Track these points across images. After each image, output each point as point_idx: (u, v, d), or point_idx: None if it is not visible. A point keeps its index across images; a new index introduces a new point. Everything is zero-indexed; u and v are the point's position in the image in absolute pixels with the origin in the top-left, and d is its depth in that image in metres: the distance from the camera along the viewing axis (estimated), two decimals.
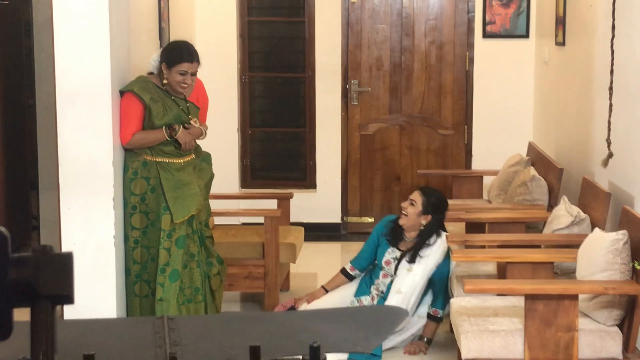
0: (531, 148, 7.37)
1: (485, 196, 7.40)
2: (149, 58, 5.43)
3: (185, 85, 5.31)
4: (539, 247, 5.22)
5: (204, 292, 5.47)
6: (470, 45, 8.34)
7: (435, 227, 5.59)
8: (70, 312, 5.09)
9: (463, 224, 6.18)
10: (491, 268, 5.45)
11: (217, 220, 6.64)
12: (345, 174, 8.50)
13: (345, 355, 5.05)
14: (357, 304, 5.60)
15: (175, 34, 6.18)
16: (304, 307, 5.78)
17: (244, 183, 8.51)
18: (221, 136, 8.03)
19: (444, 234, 5.58)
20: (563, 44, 6.99)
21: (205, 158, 5.63)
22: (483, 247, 5.41)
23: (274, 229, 6.15)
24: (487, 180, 7.46)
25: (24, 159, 7.11)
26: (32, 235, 7.18)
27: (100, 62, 5.08)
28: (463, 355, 4.41)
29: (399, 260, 5.55)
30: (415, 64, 8.39)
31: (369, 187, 8.48)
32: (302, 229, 6.93)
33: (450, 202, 6.84)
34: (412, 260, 5.49)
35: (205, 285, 5.47)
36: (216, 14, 8.22)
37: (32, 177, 6.46)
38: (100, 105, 5.11)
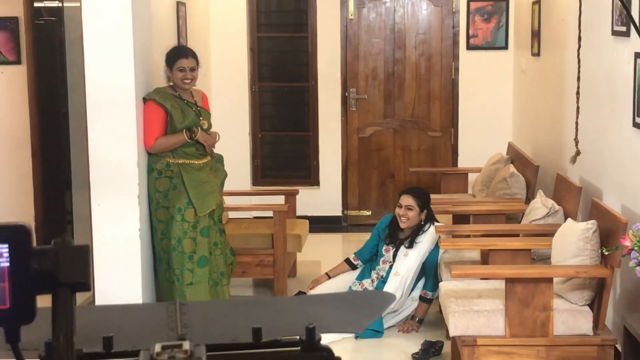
0: (510, 148, 7.35)
1: (469, 191, 7.38)
2: None
3: (188, 81, 5.31)
4: (517, 236, 5.22)
5: (228, 277, 5.50)
6: (455, 57, 8.32)
7: (430, 218, 5.64)
8: (100, 297, 5.10)
9: (450, 216, 6.16)
10: (475, 255, 5.44)
11: (231, 215, 6.63)
12: (345, 172, 8.48)
13: (350, 335, 5.06)
14: (358, 287, 5.60)
15: (194, 49, 6.14)
16: (310, 291, 5.81)
17: (255, 181, 8.50)
18: (234, 139, 8.02)
19: (434, 225, 5.58)
20: (538, 54, 6.98)
21: (219, 159, 5.63)
22: (468, 236, 5.40)
23: (282, 221, 6.14)
24: (472, 177, 7.45)
25: (59, 161, 7.10)
26: (66, 228, 7.17)
27: (125, 75, 5.07)
28: (451, 333, 4.40)
29: (397, 247, 5.57)
30: (406, 74, 8.37)
31: (367, 183, 8.47)
32: (307, 221, 6.93)
33: (438, 196, 6.86)
34: (410, 246, 5.54)
35: (227, 270, 5.49)
36: (229, 30, 8.20)
37: (66, 177, 6.45)
38: (125, 112, 5.10)
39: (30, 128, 7.29)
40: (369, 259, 5.82)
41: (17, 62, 7.21)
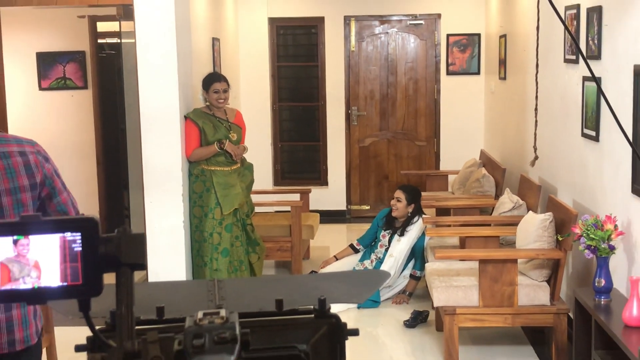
0: (483, 154, 7.32)
1: (449, 189, 7.36)
2: None
3: (222, 101, 5.30)
4: (489, 225, 5.20)
5: (246, 264, 5.48)
6: (437, 81, 8.30)
7: (418, 210, 5.62)
8: (152, 276, 5.10)
9: (434, 210, 6.15)
10: (455, 241, 5.43)
11: (257, 209, 6.62)
12: (349, 175, 8.47)
13: (354, 305, 5.06)
14: (360, 267, 5.60)
15: (226, 75, 6.14)
16: (321, 270, 5.82)
17: (276, 182, 8.50)
18: (259, 149, 8.02)
19: (422, 217, 5.58)
20: (504, 78, 6.96)
21: (249, 167, 5.62)
22: (449, 226, 5.38)
23: (298, 215, 6.14)
24: (451, 178, 7.43)
25: (118, 167, 7.12)
26: (124, 222, 7.18)
27: (171, 97, 5.08)
28: (435, 304, 4.39)
29: (392, 234, 5.57)
30: (397, 95, 8.35)
31: (366, 183, 8.46)
32: (318, 215, 6.92)
33: (424, 193, 6.83)
34: (402, 234, 5.54)
35: (246, 259, 5.48)
36: (254, 60, 8.21)
37: (124, 180, 6.46)
38: (171, 128, 5.11)
39: (95, 141, 7.32)
40: (369, 244, 5.83)
41: (85, 87, 7.24)
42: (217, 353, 0.64)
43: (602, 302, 3.65)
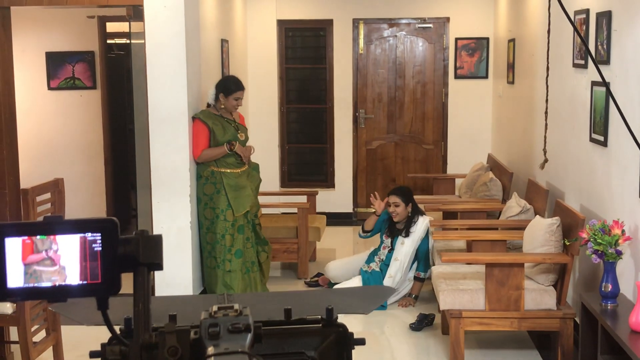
0: (490, 158, 7.33)
1: (456, 193, 7.37)
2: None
3: (238, 107, 5.35)
4: (496, 229, 5.21)
5: (257, 265, 5.51)
6: (445, 84, 8.32)
7: (416, 210, 5.64)
8: (159, 277, 5.12)
9: (441, 213, 6.16)
10: (462, 244, 5.44)
11: (264, 211, 6.64)
12: (356, 177, 8.49)
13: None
14: (367, 268, 5.62)
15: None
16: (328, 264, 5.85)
17: (283, 184, 8.52)
18: (267, 150, 8.05)
19: (424, 216, 5.58)
20: (512, 82, 6.97)
21: (255, 167, 5.64)
22: (456, 229, 5.39)
23: (305, 216, 6.16)
24: (458, 182, 7.44)
25: (126, 167, 7.15)
26: (131, 222, 7.22)
27: (180, 98, 5.11)
28: (441, 307, 4.40)
29: (396, 236, 5.57)
30: (405, 98, 8.37)
31: (373, 186, 8.47)
32: (325, 216, 6.94)
33: (430, 197, 6.86)
34: (406, 235, 5.55)
35: (256, 259, 5.50)
36: (263, 63, 8.23)
37: (131, 180, 6.50)
38: (179, 128, 5.14)
39: (103, 141, 7.35)
40: (375, 232, 5.89)
41: (93, 87, 7.27)
42: (232, 340, 0.67)
43: (609, 307, 3.66)
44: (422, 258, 5.54)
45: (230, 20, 7.13)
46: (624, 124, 1.72)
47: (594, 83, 4.39)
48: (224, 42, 6.59)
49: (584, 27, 4.51)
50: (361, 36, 8.26)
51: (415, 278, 5.55)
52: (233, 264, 5.28)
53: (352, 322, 4.69)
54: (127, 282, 0.93)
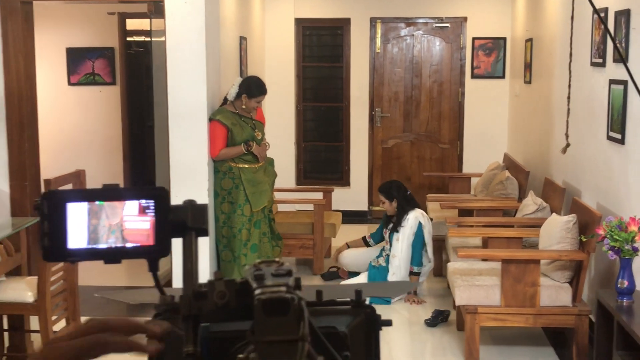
0: (506, 157, 7.36)
1: (472, 192, 7.40)
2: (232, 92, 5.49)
3: (257, 108, 5.42)
4: (512, 227, 5.24)
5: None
6: (462, 84, 8.35)
7: (403, 204, 5.63)
8: (177, 269, 5.19)
9: (457, 211, 6.19)
10: (477, 242, 5.46)
11: (280, 207, 6.72)
12: (371, 175, 8.53)
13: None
14: (376, 263, 5.67)
15: (252, 74, 6.24)
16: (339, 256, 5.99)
17: (299, 181, 8.58)
18: (283, 148, 8.12)
19: (416, 210, 5.61)
20: (529, 82, 6.99)
21: (271, 162, 5.71)
22: (471, 226, 5.43)
23: (320, 213, 6.21)
24: (474, 181, 7.46)
25: (145, 163, 7.24)
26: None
27: (199, 95, 5.17)
28: (456, 303, 4.44)
29: (391, 231, 5.64)
30: (422, 97, 8.41)
31: None
32: (340, 214, 6.99)
33: (446, 195, 6.90)
34: (395, 229, 5.59)
35: (272, 254, 5.56)
36: (280, 61, 8.30)
37: (150, 175, 6.58)
38: (198, 125, 5.20)
39: (122, 136, 7.44)
40: (379, 240, 5.94)
41: (113, 83, 7.37)
42: (276, 280, 0.73)
43: (625, 304, 3.69)
44: (417, 252, 5.55)
45: (249, 18, 7.20)
46: None
47: (611, 81, 4.42)
48: (242, 40, 6.66)
49: (603, 26, 4.55)
50: (378, 35, 8.31)
51: (410, 272, 5.56)
52: (249, 258, 5.35)
53: None
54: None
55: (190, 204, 0.90)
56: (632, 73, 3.27)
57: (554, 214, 4.75)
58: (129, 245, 0.88)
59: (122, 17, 7.28)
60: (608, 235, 3.76)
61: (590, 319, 4.29)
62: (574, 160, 5.25)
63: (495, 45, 8.21)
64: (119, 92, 7.36)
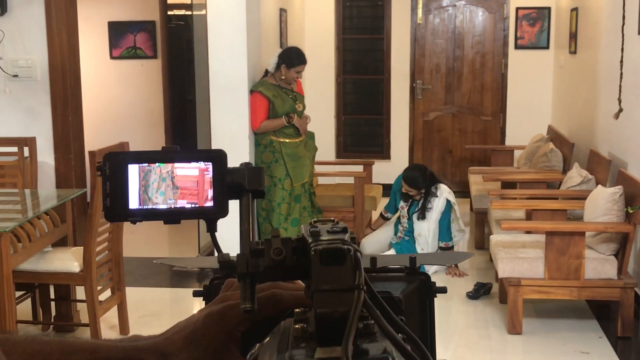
0: (550, 129, 7.28)
1: (515, 165, 7.35)
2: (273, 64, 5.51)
3: (297, 79, 5.43)
4: (556, 199, 5.20)
5: None
6: (505, 55, 8.25)
7: (429, 190, 5.47)
8: (221, 242, 5.25)
9: (499, 183, 6.16)
10: (521, 214, 5.44)
11: (321, 180, 6.74)
12: (412, 149, 8.51)
13: None
14: (396, 240, 5.62)
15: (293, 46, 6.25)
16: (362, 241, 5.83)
17: (339, 154, 8.60)
18: (323, 121, 8.13)
19: (442, 188, 5.51)
20: (575, 52, 6.88)
21: (311, 136, 5.73)
22: (515, 199, 5.40)
23: (361, 186, 6.22)
24: (516, 154, 7.40)
25: (187, 136, 7.31)
26: None
27: (240, 67, 5.21)
28: (499, 275, 4.44)
29: (410, 208, 5.53)
30: (464, 68, 8.33)
31: (429, 158, 8.48)
32: (381, 186, 6.99)
33: (488, 168, 6.86)
34: (422, 217, 5.47)
35: None
36: (320, 33, 8.28)
37: (249, 164, 6.65)
38: (239, 97, 5.25)
39: (163, 110, 7.52)
40: (395, 211, 5.81)
41: (154, 56, 7.44)
42: (332, 236, 0.74)
43: None
44: (443, 229, 5.51)
45: None
46: None
47: None
48: (282, 12, 6.66)
49: None
50: (420, 6, 8.24)
51: (441, 248, 5.53)
52: (289, 232, 5.40)
53: None
54: None
55: (246, 167, 0.92)
56: None
57: (599, 185, 4.70)
58: (188, 206, 0.91)
59: None
60: None
61: (635, 292, 4.26)
62: (620, 131, 5.17)
63: (539, 15, 8.09)
64: (160, 65, 7.43)
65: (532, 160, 6.56)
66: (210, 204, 0.90)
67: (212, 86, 5.24)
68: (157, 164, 0.90)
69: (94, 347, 0.88)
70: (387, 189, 7.67)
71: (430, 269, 5.42)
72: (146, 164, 0.90)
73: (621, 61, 5.13)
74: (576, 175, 5.22)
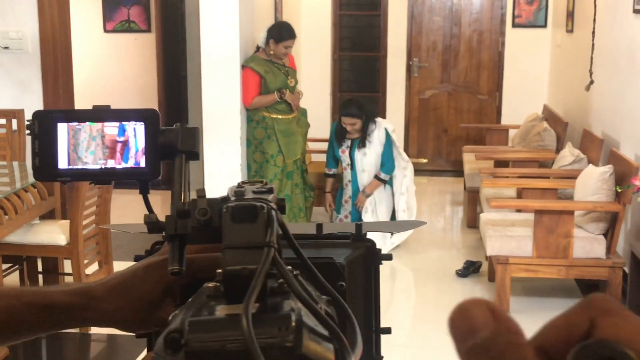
0: (545, 108, 7.23)
1: (509, 144, 7.30)
2: None
3: (287, 55, 5.37)
4: (547, 178, 5.17)
5: (304, 211, 5.59)
6: (502, 33, 8.18)
7: (370, 118, 5.43)
8: None
9: (492, 163, 6.13)
10: (512, 193, 5.41)
11: (313, 157, 6.70)
12: (407, 127, 8.46)
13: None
14: (345, 200, 5.56)
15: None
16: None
17: None
18: (318, 98, 8.07)
19: (380, 120, 5.49)
20: (572, 31, 6.82)
21: (304, 112, 5.68)
22: (507, 177, 5.37)
23: None
24: (512, 133, 7.35)
25: (179, 111, 7.27)
26: None
27: (232, 42, 5.15)
28: (487, 253, 4.43)
29: (351, 147, 5.46)
30: (461, 46, 8.26)
31: (424, 136, 8.45)
32: None
33: (482, 147, 6.82)
34: (362, 145, 5.40)
35: (304, 205, 5.58)
36: (316, 9, 8.21)
37: (184, 123, 6.62)
38: (231, 73, 5.19)
39: (157, 84, 7.47)
40: (335, 165, 5.72)
41: (148, 30, 7.37)
42: (254, 196, 0.72)
43: None
44: (387, 160, 5.42)
45: None
46: None
47: None
48: None
49: None
50: None
51: (376, 177, 5.44)
52: None
53: (400, 268, 4.71)
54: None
55: (181, 127, 0.89)
56: None
57: (590, 164, 4.67)
58: (119, 167, 0.88)
59: None
60: None
61: (624, 272, 4.24)
62: (613, 111, 5.13)
63: None
64: (154, 39, 7.36)
65: (526, 139, 6.52)
66: (142, 164, 0.87)
67: (204, 61, 5.19)
68: (87, 123, 0.87)
69: (19, 293, 0.88)
70: None
71: (391, 242, 5.36)
72: (76, 123, 0.87)
73: (593, 32, 5.06)
74: (568, 155, 5.18)
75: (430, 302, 4.74)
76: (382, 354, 0.96)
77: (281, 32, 5.30)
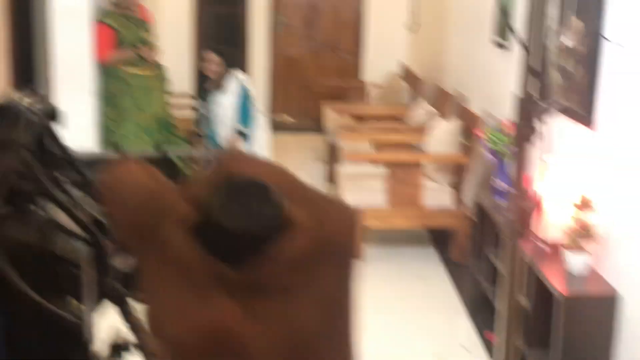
0: (402, 66, 7.38)
1: (372, 101, 7.41)
2: None
3: (136, 4, 5.24)
4: (402, 133, 5.29)
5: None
6: None
7: (229, 63, 5.40)
8: None
9: (351, 118, 6.21)
10: (371, 149, 5.50)
11: (177, 113, 6.55)
12: (272, 83, 8.42)
13: None
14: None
15: None
16: None
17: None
18: (179, 53, 7.88)
19: (238, 73, 5.43)
20: None
21: (161, 67, 5.55)
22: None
23: None
24: (374, 91, 7.45)
25: (28, 62, 6.89)
26: None
27: None
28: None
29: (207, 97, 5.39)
30: (325, 4, 8.26)
31: (288, 94, 8.43)
32: None
33: (344, 106, 6.89)
34: (218, 87, 5.31)
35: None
36: None
37: (29, 74, 6.28)
38: (82, 22, 4.96)
39: (10, 38, 7.04)
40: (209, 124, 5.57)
41: None
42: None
43: (500, 204, 3.80)
44: (243, 112, 5.39)
45: None
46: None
47: None
48: None
49: None
50: None
51: (239, 132, 5.37)
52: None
53: None
54: None
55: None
56: None
57: (440, 119, 4.82)
58: None
59: None
60: (488, 139, 3.83)
61: (473, 221, 4.41)
62: (462, 67, 5.30)
63: None
64: None
65: (384, 96, 6.65)
66: None
67: (50, 11, 4.92)
68: None
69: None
70: None
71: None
72: None
73: None
74: (421, 110, 5.32)
75: None
76: None
77: None
